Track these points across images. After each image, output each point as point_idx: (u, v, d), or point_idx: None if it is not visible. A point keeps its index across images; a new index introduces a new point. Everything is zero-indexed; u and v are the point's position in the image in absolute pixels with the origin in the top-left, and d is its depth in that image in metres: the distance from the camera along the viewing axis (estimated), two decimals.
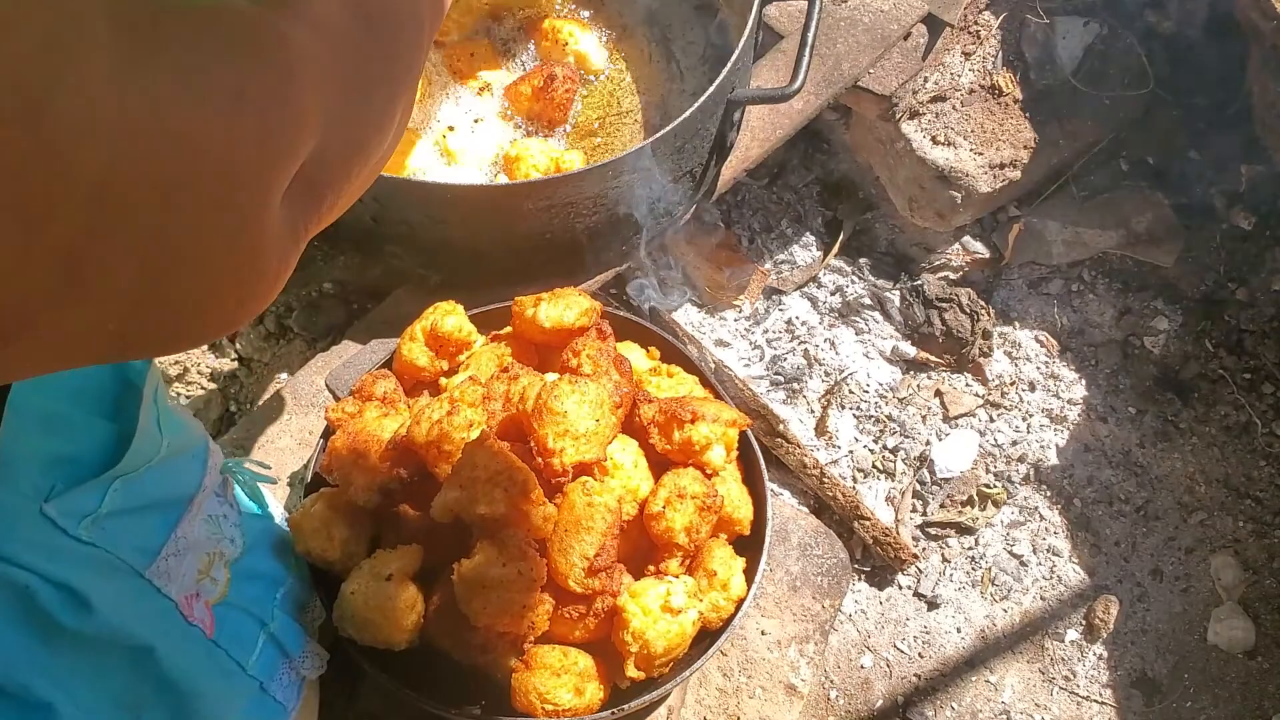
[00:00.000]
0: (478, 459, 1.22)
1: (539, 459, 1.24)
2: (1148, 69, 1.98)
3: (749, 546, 1.38)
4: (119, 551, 0.96)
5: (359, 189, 0.62)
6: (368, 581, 1.26)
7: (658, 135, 1.45)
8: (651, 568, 1.30)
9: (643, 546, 1.33)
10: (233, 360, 1.75)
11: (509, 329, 1.50)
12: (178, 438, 1.08)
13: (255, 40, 0.47)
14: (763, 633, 1.58)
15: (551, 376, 1.34)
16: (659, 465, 1.36)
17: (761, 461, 1.41)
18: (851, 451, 1.98)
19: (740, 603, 1.33)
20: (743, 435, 1.42)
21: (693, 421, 1.33)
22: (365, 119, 0.60)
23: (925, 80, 1.93)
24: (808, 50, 1.54)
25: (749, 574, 1.35)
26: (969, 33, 1.95)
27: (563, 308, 1.40)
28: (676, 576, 1.28)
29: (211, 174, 0.44)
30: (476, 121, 1.69)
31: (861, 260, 2.10)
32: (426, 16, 0.66)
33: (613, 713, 1.27)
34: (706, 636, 1.33)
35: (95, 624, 0.93)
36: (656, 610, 1.24)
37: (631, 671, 1.25)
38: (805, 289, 2.10)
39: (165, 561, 1.03)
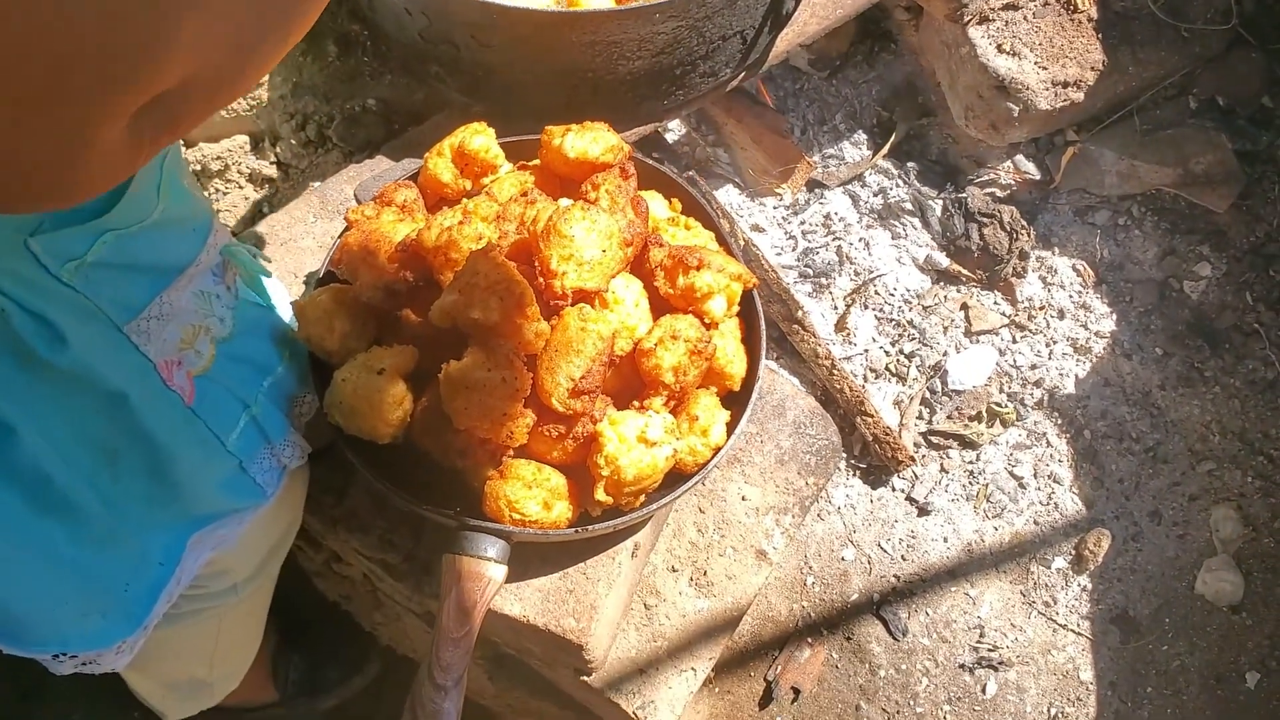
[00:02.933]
0: (479, 266, 1.24)
1: (541, 279, 1.26)
2: (1234, 6, 1.91)
3: (737, 404, 1.40)
4: (99, 301, 0.99)
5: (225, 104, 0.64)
6: (360, 372, 1.30)
7: None
8: (636, 403, 1.32)
9: (633, 385, 1.35)
10: (271, 163, 1.80)
11: (537, 161, 1.51)
12: (178, 207, 1.11)
13: None
14: (743, 498, 1.60)
15: (565, 202, 1.36)
16: (660, 311, 1.37)
17: (763, 323, 1.42)
18: (867, 351, 1.98)
19: (717, 451, 1.35)
20: (748, 296, 1.43)
21: (698, 268, 1.34)
22: (245, 63, 0.62)
23: None
24: None
25: (732, 428, 1.37)
26: None
27: (589, 140, 1.41)
28: (657, 413, 1.30)
29: (39, 74, 0.47)
30: None
31: (909, 165, 2.08)
32: None
33: (577, 531, 1.30)
34: (680, 480, 1.35)
35: (69, 359, 0.96)
36: (632, 440, 1.26)
37: (600, 495, 1.27)
38: (849, 186, 2.09)
39: (146, 322, 1.07)
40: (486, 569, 1.27)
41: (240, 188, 1.78)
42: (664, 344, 1.30)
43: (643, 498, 1.31)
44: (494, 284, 1.24)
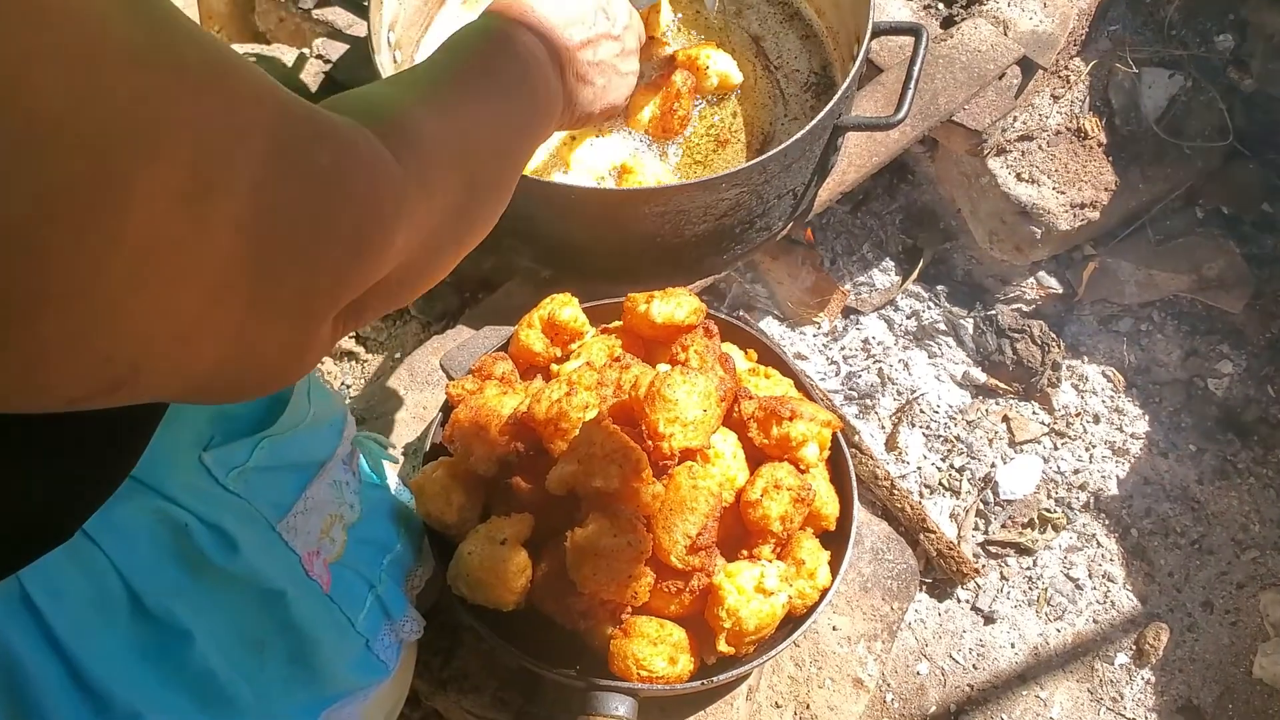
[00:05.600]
0: (595, 437, 1.32)
1: (649, 441, 1.34)
2: (1228, 123, 2.07)
3: (833, 541, 1.47)
4: (256, 503, 1.05)
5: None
6: (483, 544, 1.36)
7: (771, 153, 1.56)
8: (745, 552, 1.39)
9: (735, 534, 1.42)
10: (350, 338, 1.88)
11: (617, 323, 1.60)
12: (322, 407, 1.18)
13: (372, 190, 0.58)
14: (834, 628, 1.67)
15: (663, 368, 1.44)
16: (753, 460, 1.45)
17: (850, 462, 1.50)
18: (919, 468, 2.07)
19: (824, 592, 1.41)
20: (833, 436, 1.52)
21: (791, 419, 1.42)
22: (433, 267, 0.72)
23: (1014, 120, 2.03)
24: (913, 83, 1.64)
25: (833, 567, 1.44)
26: (1059, 77, 2.05)
27: (674, 305, 1.51)
28: (770, 561, 1.37)
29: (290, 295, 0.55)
30: (599, 134, 1.81)
31: (938, 287, 2.20)
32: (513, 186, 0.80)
33: (702, 683, 1.36)
34: (789, 622, 1.41)
35: (239, 564, 1.02)
36: (750, 590, 1.32)
37: (722, 646, 1.33)
38: (882, 311, 2.20)
39: (294, 518, 1.13)
40: None
41: (321, 363, 1.86)
42: (769, 494, 1.37)
43: (757, 645, 1.38)
44: (611, 453, 1.31)
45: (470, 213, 0.73)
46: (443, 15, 1.95)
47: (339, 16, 2.04)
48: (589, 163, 1.78)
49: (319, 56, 1.99)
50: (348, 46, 2.01)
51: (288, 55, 1.95)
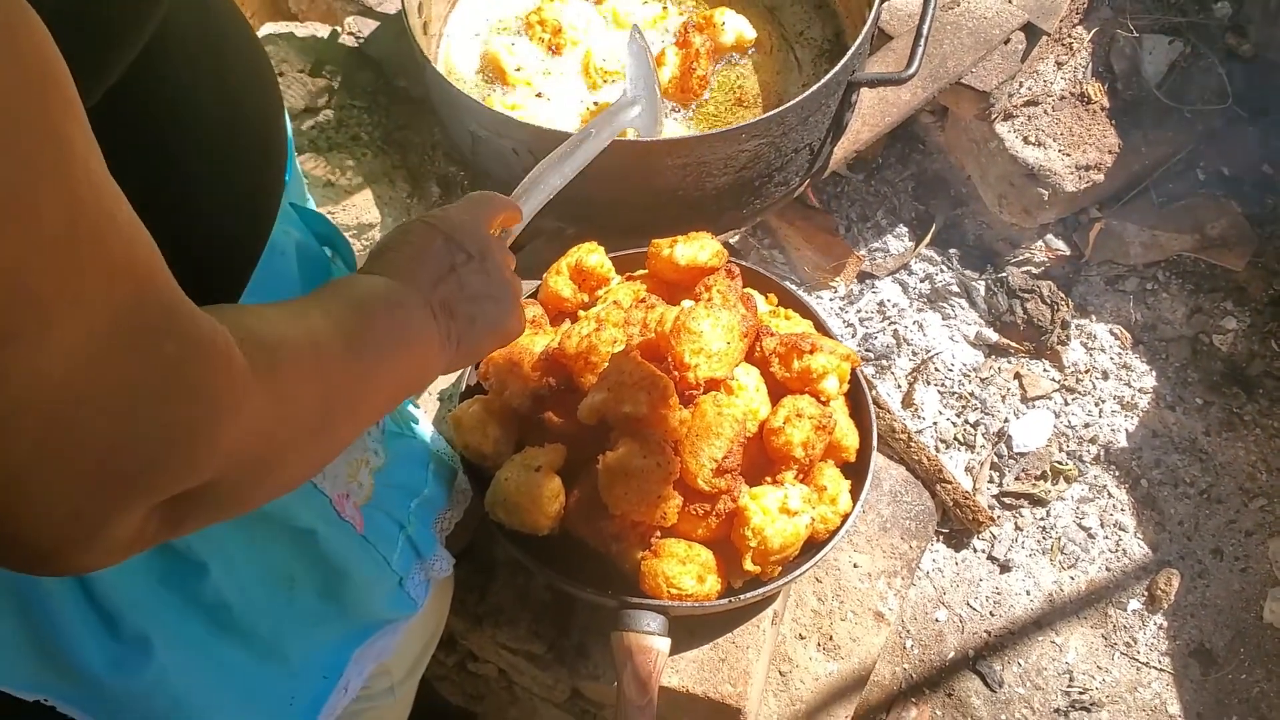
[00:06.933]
0: (625, 366, 1.39)
1: (675, 372, 1.40)
2: (1227, 87, 2.14)
3: (854, 472, 1.53)
4: None
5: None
6: (519, 471, 1.42)
7: (788, 105, 1.63)
8: (769, 478, 1.46)
9: (759, 463, 1.48)
10: None
11: (643, 271, 1.67)
12: None
13: (212, 383, 0.56)
14: (855, 565, 1.73)
15: (688, 304, 1.51)
16: (775, 396, 1.52)
17: (869, 396, 1.57)
18: (935, 423, 2.13)
19: (845, 517, 1.47)
20: (852, 373, 1.58)
21: (811, 352, 1.49)
22: (270, 480, 0.70)
23: (1019, 86, 2.10)
24: (923, 40, 1.72)
25: (853, 497, 1.51)
26: (1062, 44, 2.13)
27: (697, 248, 1.58)
28: (793, 485, 1.43)
29: (79, 469, 0.52)
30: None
31: (951, 251, 2.27)
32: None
33: (730, 601, 1.42)
34: (811, 547, 1.48)
35: (270, 502, 1.09)
36: (775, 511, 1.38)
37: (748, 565, 1.39)
38: (897, 275, 2.27)
39: None
40: (653, 642, 1.38)
41: None
42: (791, 422, 1.44)
43: (781, 567, 1.44)
44: (639, 380, 1.38)
45: (322, 435, 0.72)
46: None
47: None
48: None
49: (350, 34, 2.07)
50: (378, 23, 2.09)
51: (321, 32, 2.04)
